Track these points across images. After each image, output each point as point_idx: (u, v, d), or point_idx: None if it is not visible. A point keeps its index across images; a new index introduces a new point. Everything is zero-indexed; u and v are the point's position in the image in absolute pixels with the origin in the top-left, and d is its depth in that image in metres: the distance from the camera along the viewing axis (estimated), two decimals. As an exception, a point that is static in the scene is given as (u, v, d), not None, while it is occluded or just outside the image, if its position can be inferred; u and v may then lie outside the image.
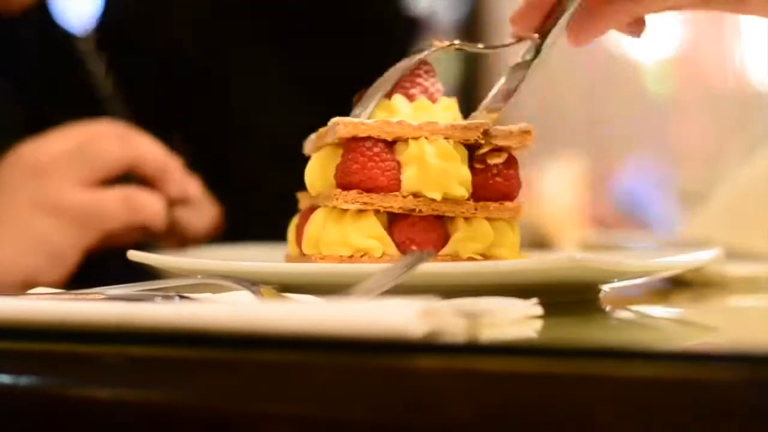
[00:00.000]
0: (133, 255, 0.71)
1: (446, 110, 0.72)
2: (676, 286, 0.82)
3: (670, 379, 0.43)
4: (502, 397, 0.43)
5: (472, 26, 3.15)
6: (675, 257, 0.72)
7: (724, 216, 1.05)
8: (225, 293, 0.63)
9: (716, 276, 0.82)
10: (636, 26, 0.69)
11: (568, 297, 0.66)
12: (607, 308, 0.69)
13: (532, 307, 0.55)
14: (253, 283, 0.61)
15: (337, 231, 0.68)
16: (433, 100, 0.72)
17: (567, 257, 0.62)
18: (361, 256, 0.68)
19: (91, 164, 0.89)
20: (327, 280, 0.66)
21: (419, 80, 0.72)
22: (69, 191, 0.88)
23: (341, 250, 0.68)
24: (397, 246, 0.68)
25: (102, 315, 0.52)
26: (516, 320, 0.54)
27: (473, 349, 0.49)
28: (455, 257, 0.68)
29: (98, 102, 1.20)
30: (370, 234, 0.68)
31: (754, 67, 3.04)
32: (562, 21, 0.68)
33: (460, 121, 0.71)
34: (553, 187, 2.30)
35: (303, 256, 0.71)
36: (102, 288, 0.63)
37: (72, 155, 0.89)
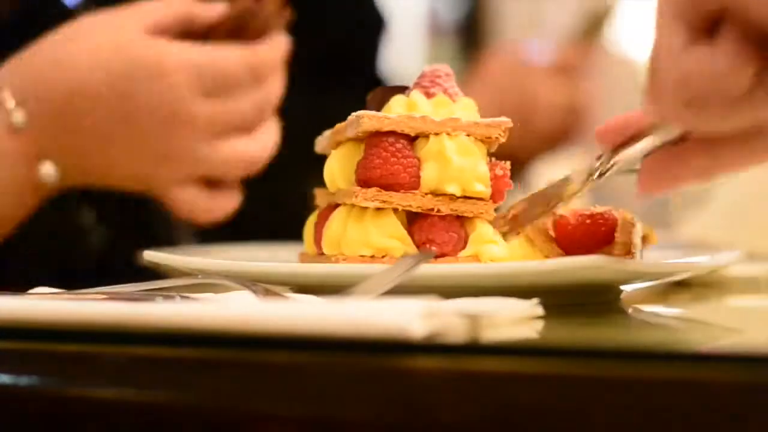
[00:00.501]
0: (149, 255, 0.71)
1: (465, 109, 0.72)
2: (676, 286, 0.81)
3: (670, 380, 0.43)
4: (502, 397, 0.43)
5: (472, 26, 3.15)
6: (697, 258, 0.73)
7: (724, 216, 1.05)
8: (226, 293, 0.63)
9: (716, 276, 0.82)
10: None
11: (586, 299, 0.66)
12: (613, 310, 0.69)
13: (532, 307, 0.55)
14: (253, 283, 0.61)
15: (358, 230, 0.68)
16: (453, 100, 0.72)
17: (589, 259, 0.62)
18: (382, 256, 0.68)
19: (224, 127, 0.88)
20: (327, 280, 0.66)
21: (439, 81, 0.72)
22: (194, 144, 0.87)
23: (362, 250, 0.68)
24: (417, 246, 0.68)
25: (102, 315, 0.52)
26: (517, 321, 0.54)
27: (474, 349, 0.49)
28: (475, 258, 0.68)
29: None
30: (391, 234, 0.68)
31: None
32: (638, 146, 0.65)
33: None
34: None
35: (321, 256, 0.71)
36: (102, 288, 0.63)
37: (207, 119, 0.87)
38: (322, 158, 0.74)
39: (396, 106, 0.71)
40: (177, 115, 0.86)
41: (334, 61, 0.89)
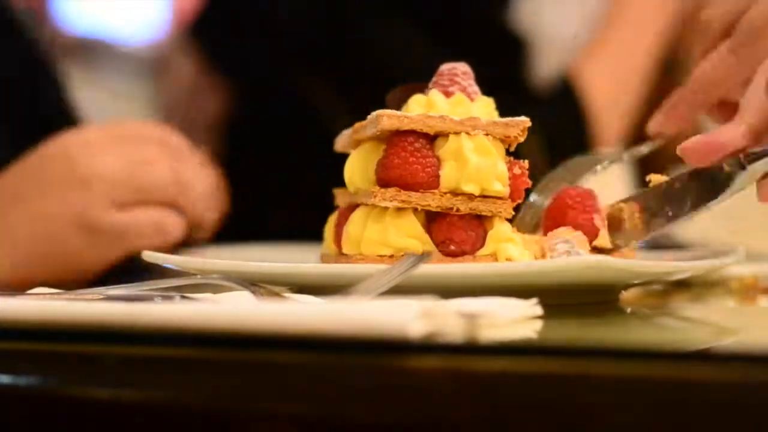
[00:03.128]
0: (148, 256, 0.71)
1: (484, 108, 0.71)
2: (676, 286, 0.81)
3: (670, 379, 0.43)
4: (501, 397, 0.43)
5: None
6: (701, 259, 0.72)
7: (723, 217, 1.05)
8: (225, 293, 0.63)
9: (716, 277, 0.82)
10: None
11: (585, 298, 0.66)
12: (613, 310, 0.69)
13: (531, 307, 0.55)
14: (252, 283, 0.61)
15: (377, 230, 0.68)
16: (471, 99, 0.72)
17: (593, 259, 0.62)
18: (402, 255, 0.67)
19: (138, 193, 0.89)
20: (327, 280, 0.66)
21: (457, 79, 0.72)
22: (108, 212, 0.88)
23: (382, 250, 0.68)
24: (436, 245, 0.68)
25: (102, 315, 0.52)
26: (515, 321, 0.54)
27: (472, 349, 0.49)
28: (493, 256, 0.68)
29: None
30: (410, 233, 0.68)
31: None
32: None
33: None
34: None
35: (341, 256, 0.71)
36: (102, 288, 0.63)
37: (121, 177, 0.88)
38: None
39: (415, 105, 0.71)
40: (74, 144, 0.88)
41: None
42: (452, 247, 0.68)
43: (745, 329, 0.65)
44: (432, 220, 0.69)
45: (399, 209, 0.68)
